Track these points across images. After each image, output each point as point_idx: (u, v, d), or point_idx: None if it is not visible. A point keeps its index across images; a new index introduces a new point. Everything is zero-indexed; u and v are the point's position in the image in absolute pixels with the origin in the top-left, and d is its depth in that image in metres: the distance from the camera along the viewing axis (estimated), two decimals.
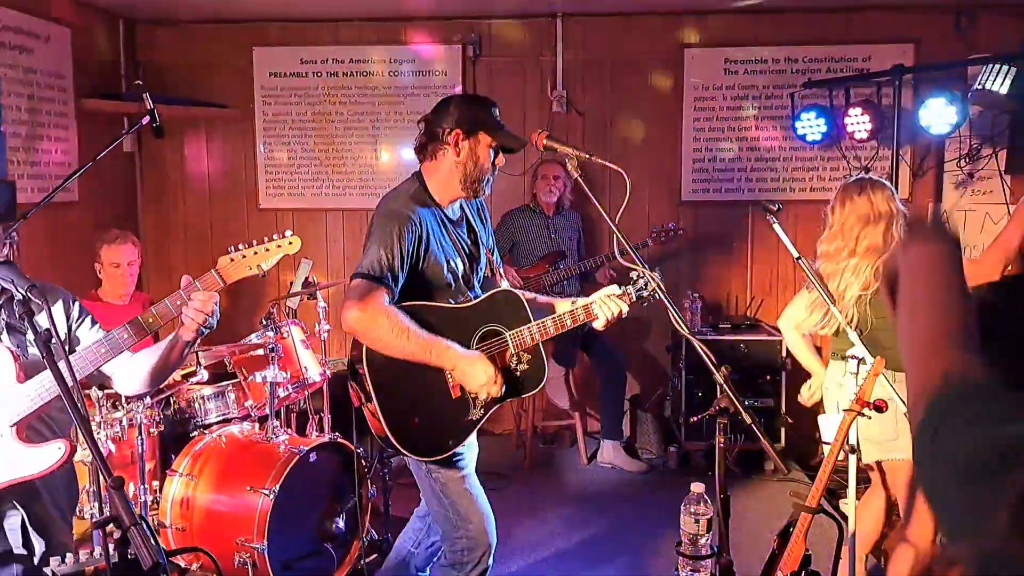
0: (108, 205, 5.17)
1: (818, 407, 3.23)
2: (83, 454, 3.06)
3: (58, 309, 2.31)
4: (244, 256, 2.25)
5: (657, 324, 5.49)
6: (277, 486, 3.11)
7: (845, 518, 2.76)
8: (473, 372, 2.38)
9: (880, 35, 5.15)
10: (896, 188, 3.24)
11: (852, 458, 2.78)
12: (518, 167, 5.24)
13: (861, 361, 2.83)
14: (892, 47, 5.08)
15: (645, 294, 2.51)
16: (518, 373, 2.54)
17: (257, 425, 3.64)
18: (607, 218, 2.27)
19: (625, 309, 2.52)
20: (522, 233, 4.95)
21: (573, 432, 5.19)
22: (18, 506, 2.23)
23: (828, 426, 3.11)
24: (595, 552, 3.89)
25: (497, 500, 4.33)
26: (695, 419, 2.35)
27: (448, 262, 2.50)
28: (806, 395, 3.28)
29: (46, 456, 2.13)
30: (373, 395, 2.38)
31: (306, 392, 3.88)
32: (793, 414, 4.52)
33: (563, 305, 2.61)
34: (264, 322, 3.72)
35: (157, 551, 1.49)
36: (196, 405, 3.63)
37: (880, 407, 2.55)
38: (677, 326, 2.17)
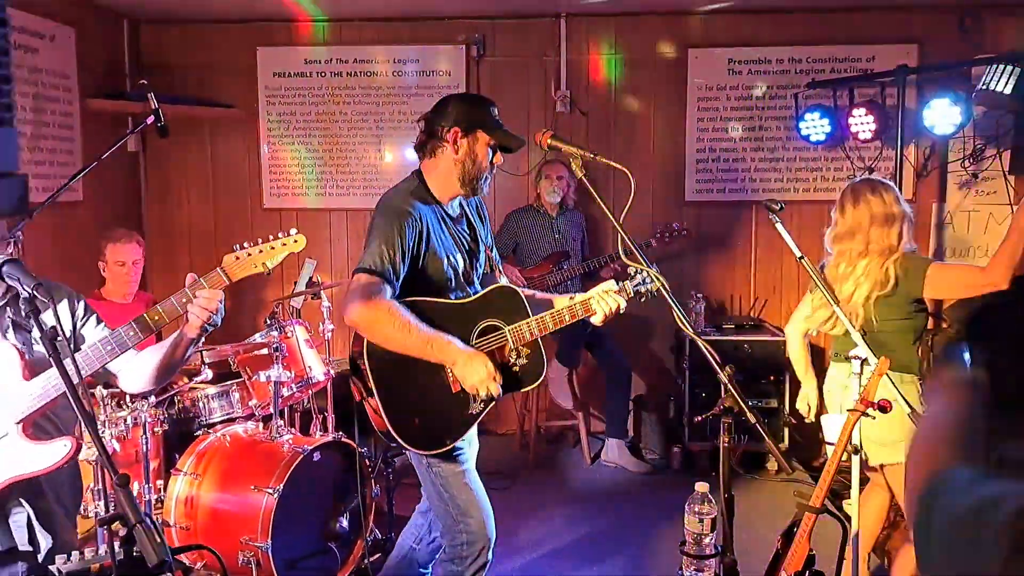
0: (112, 204, 5.18)
1: (820, 408, 3.23)
2: (87, 453, 3.07)
3: (63, 307, 2.31)
4: (249, 254, 2.26)
5: (661, 325, 5.49)
6: (281, 485, 3.12)
7: (848, 518, 2.76)
8: (472, 369, 2.39)
9: (884, 35, 5.14)
10: (900, 189, 3.24)
11: (856, 458, 2.78)
12: (522, 167, 5.25)
13: (864, 362, 2.83)
14: (896, 47, 5.08)
15: (643, 289, 2.53)
16: (517, 368, 2.56)
17: (261, 424, 3.65)
18: (611, 218, 2.27)
19: (623, 305, 2.54)
20: (526, 233, 4.95)
21: (576, 432, 5.19)
22: (24, 503, 2.24)
23: (831, 426, 3.12)
24: (598, 552, 3.89)
25: (501, 500, 4.35)
26: (699, 418, 2.34)
27: (448, 258, 2.53)
28: (805, 410, 3.29)
29: (52, 453, 2.14)
30: (374, 390, 2.40)
31: (310, 391, 3.89)
32: (796, 415, 4.52)
33: (561, 301, 2.63)
34: (268, 322, 3.73)
35: (163, 549, 1.49)
36: (200, 404, 3.64)
37: (884, 407, 2.55)
38: (682, 326, 2.17)
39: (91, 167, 3.56)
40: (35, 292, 1.84)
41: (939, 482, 1.01)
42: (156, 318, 2.19)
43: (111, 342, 2.17)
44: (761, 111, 5.29)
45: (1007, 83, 4.06)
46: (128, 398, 3.20)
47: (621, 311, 2.55)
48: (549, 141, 2.45)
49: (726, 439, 2.08)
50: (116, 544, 1.54)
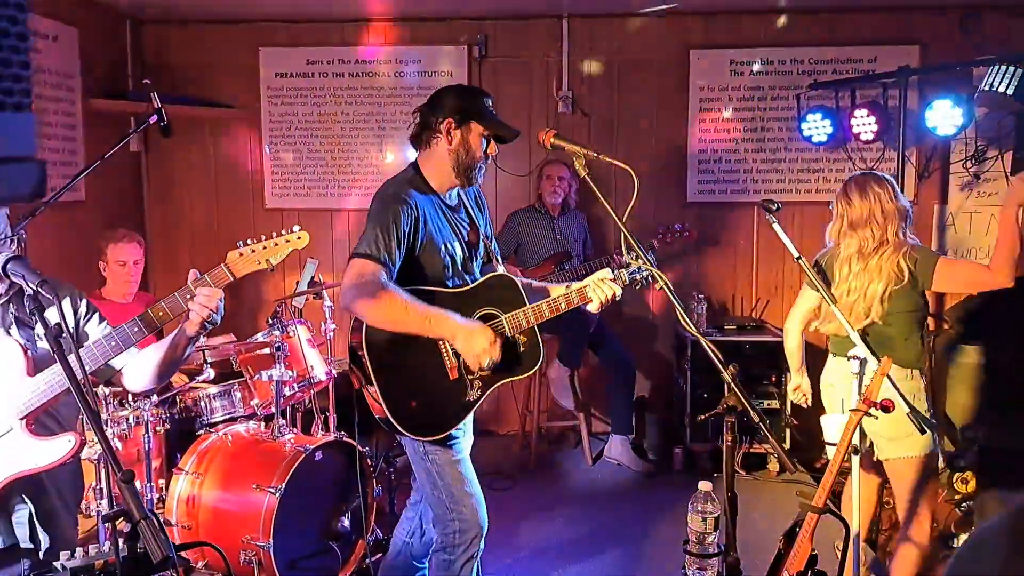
0: (114, 204, 5.18)
1: (821, 409, 3.24)
2: (89, 451, 3.07)
3: (66, 304, 2.32)
4: (253, 251, 2.27)
5: (663, 326, 5.49)
6: (283, 484, 3.12)
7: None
8: (472, 338, 2.42)
9: (886, 36, 5.15)
10: (902, 190, 3.24)
11: (855, 459, 2.78)
12: (523, 168, 5.26)
13: (863, 362, 2.83)
14: (898, 48, 5.08)
15: (638, 277, 2.56)
16: (514, 355, 2.58)
17: (263, 424, 3.65)
18: (615, 217, 2.27)
19: (619, 292, 2.56)
20: (527, 234, 4.95)
21: (578, 433, 5.19)
22: (27, 500, 2.24)
23: (831, 426, 3.12)
24: (599, 552, 3.88)
25: (502, 500, 4.36)
26: (703, 417, 2.34)
27: (445, 246, 2.56)
28: (801, 400, 3.31)
29: (56, 448, 2.14)
30: (373, 378, 2.44)
31: (312, 391, 3.89)
32: (797, 416, 4.52)
33: (558, 290, 2.66)
34: (270, 321, 3.73)
35: (167, 545, 1.49)
36: (202, 404, 3.64)
37: (887, 407, 2.55)
38: (685, 325, 2.17)
39: (93, 166, 3.56)
40: (39, 289, 1.84)
41: None
42: (160, 314, 2.19)
43: (115, 338, 2.17)
44: (763, 112, 5.29)
45: (1009, 84, 4.06)
46: (130, 397, 3.20)
47: (617, 298, 2.56)
48: (553, 140, 2.45)
49: (729, 438, 2.08)
50: (120, 540, 1.53)
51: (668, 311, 5.40)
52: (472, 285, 2.61)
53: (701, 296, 5.14)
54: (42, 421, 2.25)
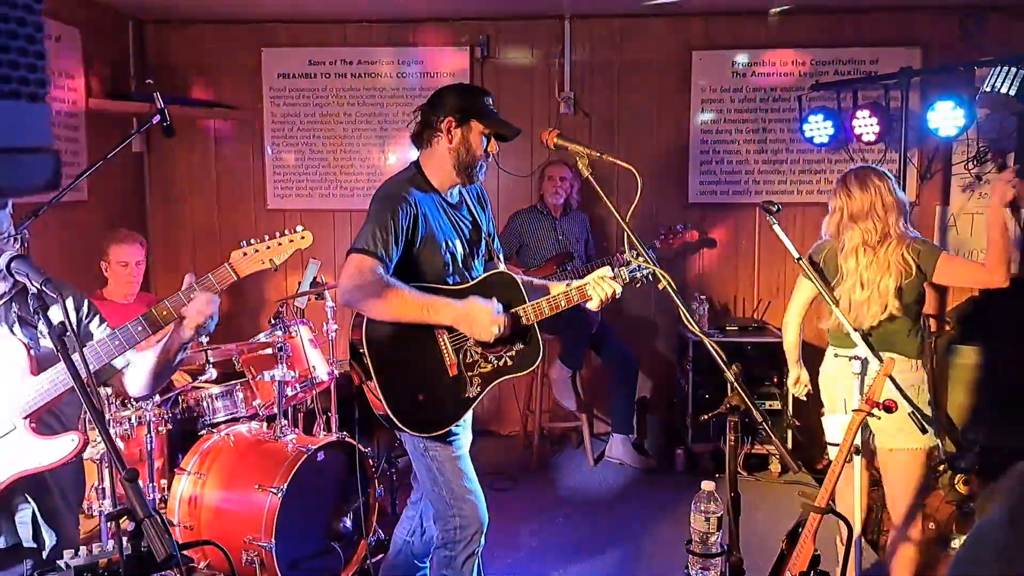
0: (116, 205, 5.19)
1: (821, 409, 3.24)
2: (91, 451, 3.07)
3: (68, 304, 2.31)
4: (257, 250, 2.27)
5: (664, 327, 5.49)
6: (285, 485, 3.12)
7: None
8: (474, 315, 2.45)
9: (888, 38, 5.15)
10: (904, 191, 3.25)
11: (857, 459, 2.79)
12: (524, 168, 5.26)
13: (865, 362, 2.84)
14: (900, 50, 5.08)
15: (639, 275, 2.57)
16: (513, 352, 2.60)
17: (265, 424, 3.65)
18: (618, 216, 2.27)
19: (619, 290, 2.57)
20: (529, 234, 4.95)
21: (579, 434, 5.19)
22: (30, 499, 2.24)
23: (832, 426, 3.12)
24: (601, 553, 3.88)
25: (503, 501, 4.36)
26: (706, 417, 2.34)
27: (446, 243, 2.58)
28: (802, 392, 3.31)
29: (60, 447, 2.14)
30: (373, 374, 2.45)
31: (314, 391, 3.89)
32: (799, 417, 4.52)
33: (558, 288, 2.66)
34: (273, 321, 3.73)
35: (171, 543, 1.49)
36: (204, 404, 3.64)
37: (889, 407, 2.55)
38: (689, 325, 2.17)
39: (96, 166, 3.56)
40: (43, 287, 1.84)
41: None
42: (164, 314, 2.20)
43: (118, 337, 2.18)
44: (764, 113, 5.29)
45: (1011, 85, 4.06)
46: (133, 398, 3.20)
47: (617, 297, 2.57)
48: (556, 140, 2.46)
49: (732, 437, 2.08)
50: (124, 539, 1.54)
51: (669, 311, 5.40)
52: (473, 282, 2.63)
53: (703, 297, 5.15)
54: (44, 420, 2.25)
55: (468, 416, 2.65)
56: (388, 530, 3.72)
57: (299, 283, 4.28)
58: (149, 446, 3.24)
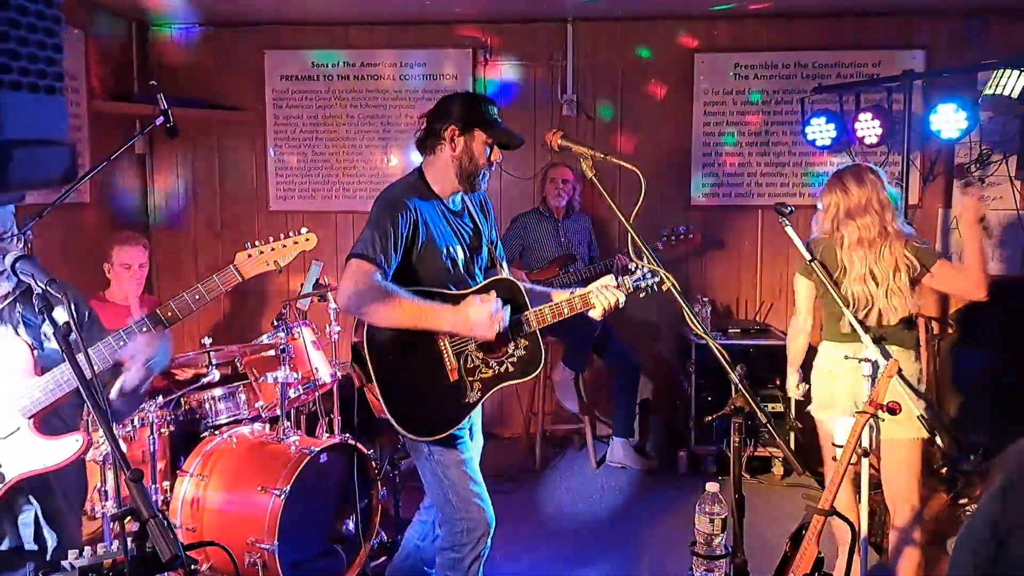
0: (119, 206, 5.19)
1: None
2: (94, 453, 3.07)
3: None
4: (262, 252, 2.27)
5: (667, 329, 5.49)
6: (288, 486, 3.12)
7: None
8: (473, 316, 2.44)
9: (890, 40, 5.15)
10: (906, 193, 3.27)
11: (865, 461, 2.78)
12: (527, 170, 5.26)
13: (875, 364, 2.84)
14: (902, 52, 5.08)
15: (643, 284, 2.57)
16: (515, 359, 2.60)
17: (268, 426, 3.65)
18: (622, 218, 2.27)
19: (622, 299, 2.57)
20: (532, 237, 4.95)
21: (582, 436, 5.19)
22: (33, 500, 2.24)
23: (837, 428, 3.11)
24: (604, 555, 3.88)
25: (506, 503, 4.35)
26: (710, 419, 2.34)
27: (447, 248, 2.58)
28: (803, 392, 3.31)
29: (64, 448, 2.14)
30: (374, 377, 2.46)
31: (316, 393, 3.89)
32: (801, 419, 4.51)
33: (560, 295, 2.66)
34: (275, 323, 3.73)
35: (175, 544, 1.49)
36: (207, 406, 3.64)
37: (894, 409, 2.55)
38: (694, 327, 2.17)
39: (100, 167, 3.56)
40: (48, 288, 1.84)
41: None
42: (168, 314, 2.20)
43: (123, 338, 2.17)
44: (767, 116, 5.29)
45: (1013, 87, 4.06)
46: None
47: (620, 306, 2.57)
48: (559, 141, 2.46)
49: (736, 439, 2.08)
50: (128, 539, 1.53)
51: (672, 313, 5.39)
52: (474, 288, 2.62)
53: (705, 299, 5.14)
54: (48, 420, 2.25)
55: (476, 420, 2.65)
56: (391, 532, 3.73)
57: (302, 285, 4.29)
58: (152, 448, 3.24)
